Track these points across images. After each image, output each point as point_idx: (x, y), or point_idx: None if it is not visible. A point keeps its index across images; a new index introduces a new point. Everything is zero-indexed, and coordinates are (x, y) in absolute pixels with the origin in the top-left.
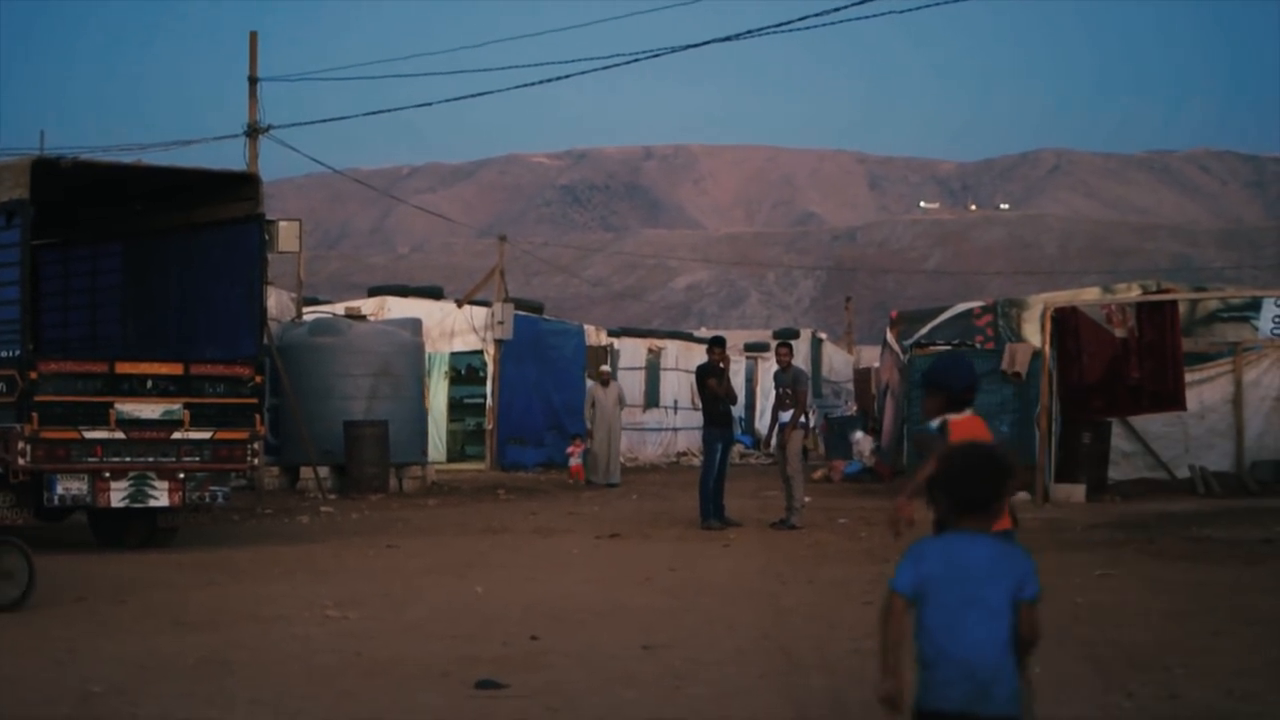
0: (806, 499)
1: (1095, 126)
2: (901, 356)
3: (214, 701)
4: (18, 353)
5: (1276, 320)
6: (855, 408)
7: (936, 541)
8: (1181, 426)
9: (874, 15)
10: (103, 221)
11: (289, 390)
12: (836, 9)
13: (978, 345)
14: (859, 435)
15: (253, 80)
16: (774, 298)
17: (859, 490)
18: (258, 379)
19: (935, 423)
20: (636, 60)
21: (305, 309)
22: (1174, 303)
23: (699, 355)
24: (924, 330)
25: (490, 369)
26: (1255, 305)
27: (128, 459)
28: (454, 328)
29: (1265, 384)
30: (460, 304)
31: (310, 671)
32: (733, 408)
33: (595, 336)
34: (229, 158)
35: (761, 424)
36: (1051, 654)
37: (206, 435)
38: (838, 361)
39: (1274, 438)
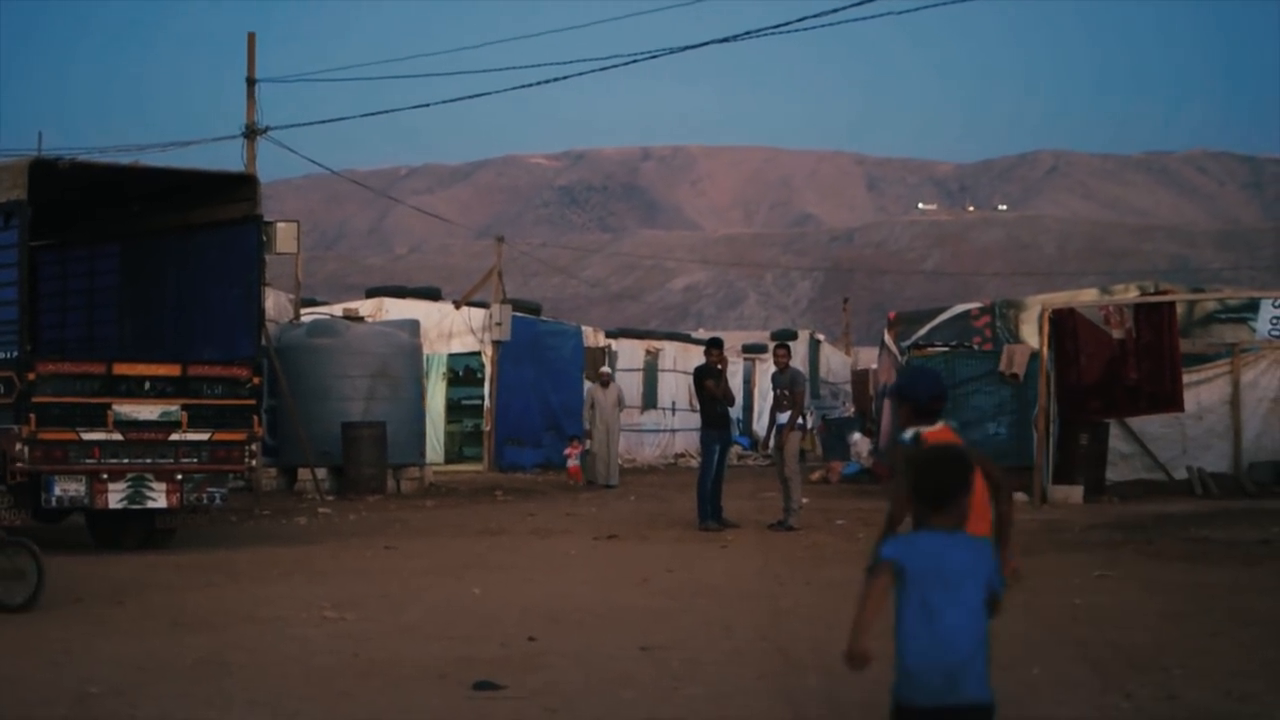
0: (804, 500)
1: (1093, 128)
2: (899, 358)
3: (212, 702)
4: (15, 354)
5: (1274, 321)
6: (853, 409)
7: (923, 538)
8: (1179, 428)
9: (873, 16)
10: (100, 222)
11: (287, 391)
12: (835, 10)
13: (975, 346)
14: (857, 436)
15: (251, 81)
16: (772, 299)
17: (856, 491)
18: (255, 380)
19: (908, 434)
20: (634, 61)
21: (303, 310)
22: (1172, 304)
23: (697, 357)
24: (922, 331)
25: (488, 370)
26: (1253, 306)
27: (125, 460)
28: (452, 329)
29: (1263, 385)
30: (458, 305)
31: (308, 673)
32: (730, 409)
33: (593, 338)
34: (227, 159)
35: (759, 425)
36: (1050, 655)
37: (204, 436)
38: (835, 363)
39: (1271, 439)
